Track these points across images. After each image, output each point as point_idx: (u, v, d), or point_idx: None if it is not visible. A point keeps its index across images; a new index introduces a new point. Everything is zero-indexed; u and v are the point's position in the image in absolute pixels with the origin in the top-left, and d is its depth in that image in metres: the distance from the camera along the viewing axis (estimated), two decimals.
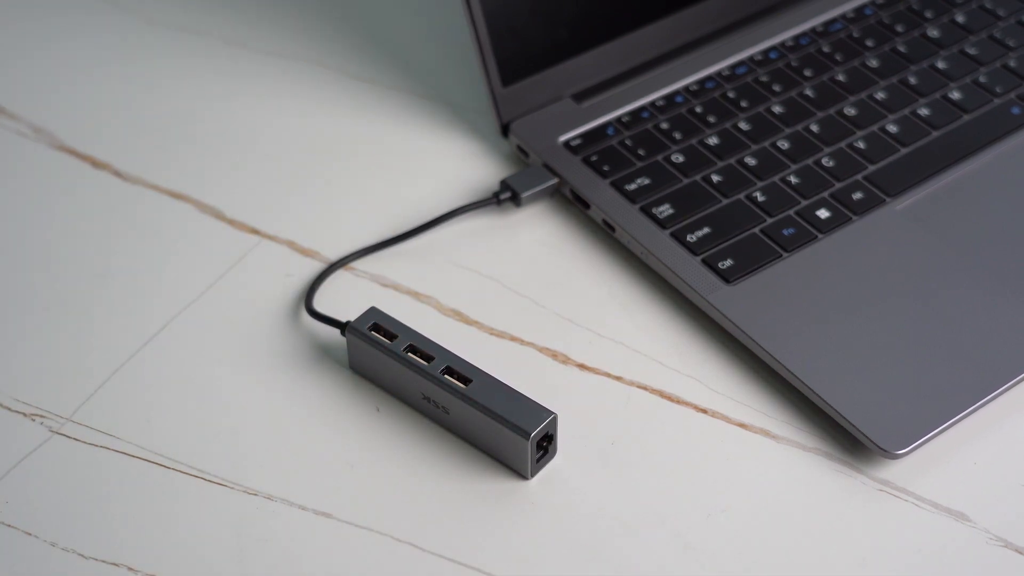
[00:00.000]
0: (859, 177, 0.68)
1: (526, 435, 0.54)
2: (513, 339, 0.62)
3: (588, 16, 0.72)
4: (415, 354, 0.57)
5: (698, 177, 0.67)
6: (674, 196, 0.66)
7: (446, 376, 0.56)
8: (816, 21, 0.77)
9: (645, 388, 0.60)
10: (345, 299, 0.63)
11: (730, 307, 0.61)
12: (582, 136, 0.70)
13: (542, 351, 0.61)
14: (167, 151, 0.71)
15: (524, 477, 0.55)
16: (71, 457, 0.56)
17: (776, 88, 0.73)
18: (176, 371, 0.60)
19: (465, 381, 0.56)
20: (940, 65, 0.74)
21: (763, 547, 0.54)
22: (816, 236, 0.64)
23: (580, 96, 0.72)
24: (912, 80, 0.73)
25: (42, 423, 0.58)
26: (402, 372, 0.57)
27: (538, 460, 0.55)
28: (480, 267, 0.65)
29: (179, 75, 0.76)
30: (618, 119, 0.70)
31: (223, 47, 0.78)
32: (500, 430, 0.55)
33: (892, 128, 0.70)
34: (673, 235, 0.64)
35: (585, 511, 0.55)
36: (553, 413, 0.55)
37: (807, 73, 0.74)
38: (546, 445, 0.56)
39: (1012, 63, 0.74)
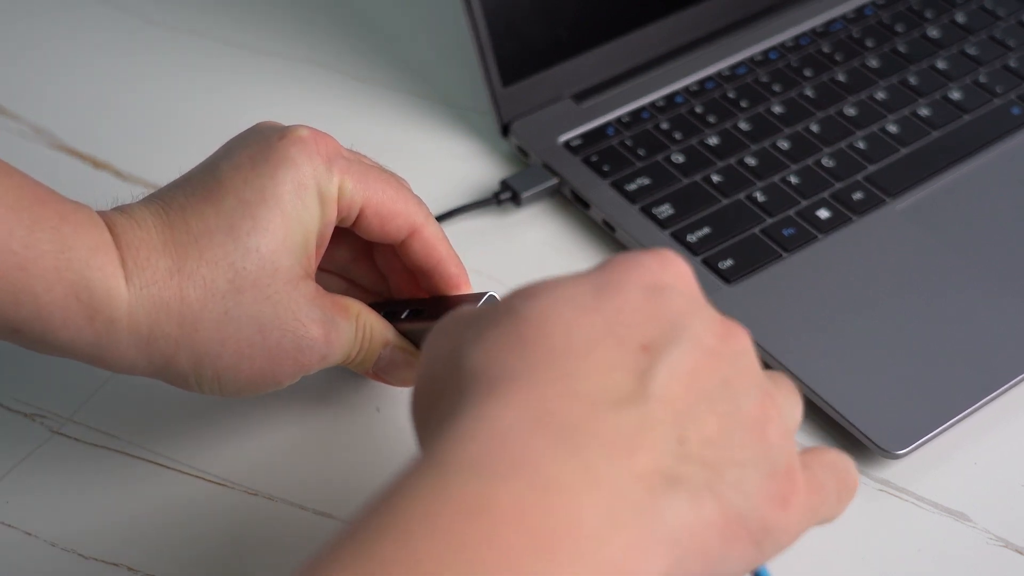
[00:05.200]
0: (859, 177, 0.68)
1: None
2: None
3: (588, 16, 0.72)
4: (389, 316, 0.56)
5: (698, 177, 0.67)
6: (674, 196, 0.66)
7: (408, 316, 0.55)
8: (816, 21, 0.77)
9: None
10: None
11: (730, 307, 0.61)
12: (582, 136, 0.70)
13: None
14: (167, 151, 0.71)
15: None
16: (71, 457, 0.56)
17: (776, 88, 0.73)
18: None
19: (419, 313, 0.55)
20: (940, 65, 0.74)
21: None
22: (816, 236, 0.64)
23: (580, 96, 0.72)
24: (912, 80, 0.73)
25: (42, 423, 0.58)
26: None
27: None
28: (480, 267, 0.65)
29: (180, 75, 0.76)
30: (618, 119, 0.70)
31: (223, 48, 0.78)
32: None
33: (892, 128, 0.70)
34: (673, 235, 0.64)
35: None
36: (488, 292, 0.53)
37: (807, 73, 0.74)
38: None
39: (1012, 63, 0.74)
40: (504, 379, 0.37)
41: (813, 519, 0.42)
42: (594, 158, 0.68)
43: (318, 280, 0.53)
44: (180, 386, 0.51)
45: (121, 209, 0.50)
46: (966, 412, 0.57)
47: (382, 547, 0.34)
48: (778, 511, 0.39)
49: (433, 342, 0.42)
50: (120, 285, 0.47)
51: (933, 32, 0.76)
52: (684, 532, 0.37)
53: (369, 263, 0.57)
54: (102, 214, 0.49)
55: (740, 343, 0.40)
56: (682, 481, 0.37)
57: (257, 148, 0.50)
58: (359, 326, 0.52)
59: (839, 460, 0.43)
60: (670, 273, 0.41)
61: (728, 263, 0.63)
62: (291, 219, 0.49)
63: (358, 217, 0.52)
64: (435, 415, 0.39)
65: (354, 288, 0.58)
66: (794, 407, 0.42)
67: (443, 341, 0.41)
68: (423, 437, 0.41)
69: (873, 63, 0.74)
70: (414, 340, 0.55)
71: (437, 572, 0.33)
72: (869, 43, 0.76)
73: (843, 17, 0.77)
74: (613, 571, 0.35)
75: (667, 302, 0.40)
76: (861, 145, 0.69)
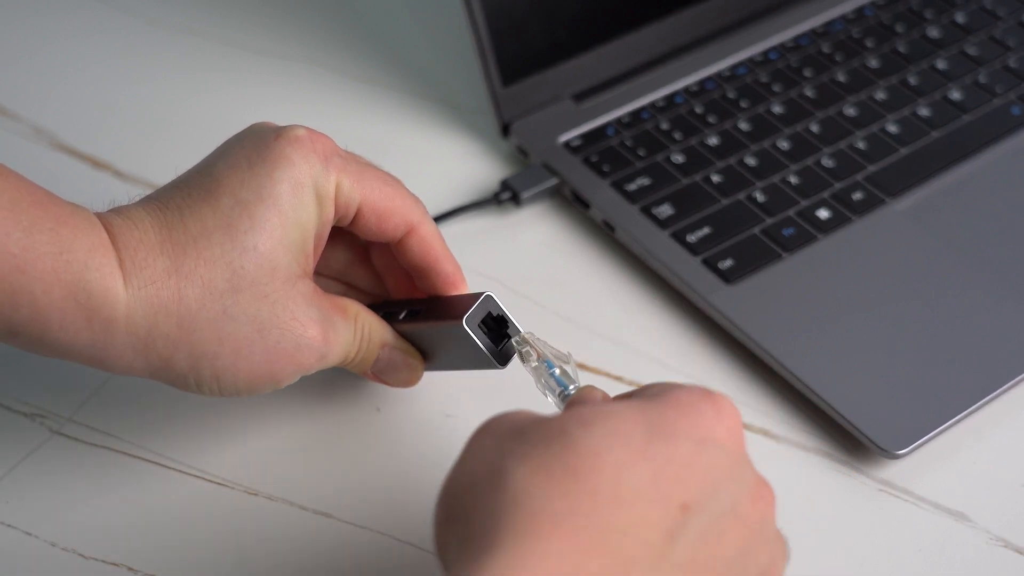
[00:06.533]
0: (859, 177, 0.68)
1: (459, 320, 0.51)
2: None
3: (588, 16, 0.72)
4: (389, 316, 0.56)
5: (698, 177, 0.67)
6: (674, 196, 0.66)
7: (406, 316, 0.55)
8: (816, 21, 0.77)
9: None
10: None
11: (730, 307, 0.61)
12: (582, 136, 0.70)
13: None
14: (167, 151, 0.71)
15: (496, 367, 0.53)
16: (71, 457, 0.56)
17: (776, 88, 0.73)
18: None
19: (415, 313, 0.55)
20: (940, 65, 0.74)
21: None
22: (816, 236, 0.64)
23: (580, 96, 0.72)
24: (912, 80, 0.73)
25: (42, 423, 0.58)
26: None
27: (500, 347, 0.53)
28: (480, 267, 0.65)
29: (179, 76, 0.76)
30: (618, 119, 0.70)
31: (223, 48, 0.78)
32: (447, 334, 0.53)
33: (892, 128, 0.70)
34: (673, 235, 0.64)
35: None
36: (485, 292, 0.52)
37: (807, 73, 0.74)
38: (503, 329, 0.52)
39: (1012, 63, 0.74)
40: (546, 518, 0.38)
41: None
42: (594, 158, 0.68)
43: (317, 284, 0.53)
44: (179, 387, 0.51)
45: (118, 210, 0.50)
46: (966, 412, 0.56)
47: None
48: None
49: (477, 441, 0.42)
50: (118, 285, 0.47)
51: (933, 32, 0.76)
52: None
53: (366, 266, 0.57)
54: (99, 216, 0.49)
55: (768, 508, 0.42)
56: None
57: (253, 148, 0.50)
58: (357, 326, 0.52)
59: None
60: (722, 427, 0.42)
61: (728, 263, 0.63)
62: (289, 218, 0.49)
63: (355, 216, 0.52)
64: (468, 527, 0.39)
65: (352, 292, 0.58)
66: (786, 558, 0.44)
67: (488, 442, 0.41)
68: (447, 542, 0.41)
69: (873, 63, 0.74)
70: (412, 340, 0.55)
71: None
72: (869, 43, 0.76)
73: (843, 17, 0.77)
74: None
75: (713, 461, 0.41)
76: (861, 145, 0.69)
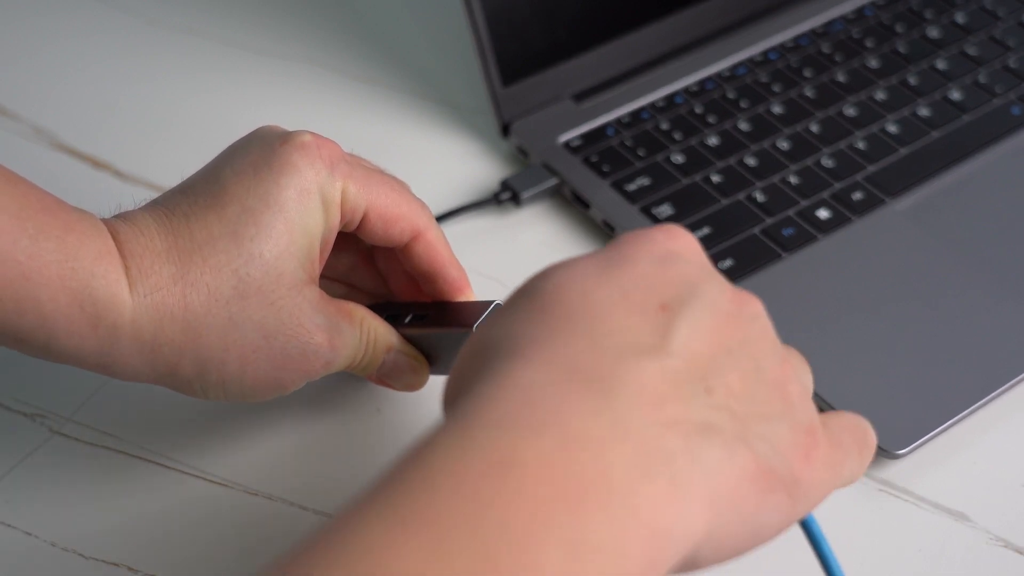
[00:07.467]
0: (859, 177, 0.68)
1: (469, 327, 0.52)
2: None
3: (588, 16, 0.72)
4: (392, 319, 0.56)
5: (698, 177, 0.67)
6: (674, 196, 0.66)
7: (410, 321, 0.55)
8: (816, 21, 0.77)
9: None
10: None
11: None
12: (582, 136, 0.70)
13: None
14: (167, 151, 0.71)
15: None
16: (71, 457, 0.56)
17: (776, 88, 0.73)
18: None
19: (421, 318, 0.55)
20: (940, 65, 0.74)
21: (762, 547, 0.53)
22: (816, 236, 0.64)
23: (580, 96, 0.72)
24: (912, 80, 0.73)
25: (42, 423, 0.58)
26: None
27: None
28: (480, 267, 0.65)
29: (180, 76, 0.76)
30: (618, 120, 0.70)
31: (223, 48, 0.78)
32: (455, 340, 0.53)
33: (892, 128, 0.70)
34: None
35: None
36: (495, 301, 0.53)
37: (807, 73, 0.74)
38: None
39: (1012, 63, 0.74)
40: (528, 343, 0.38)
41: (837, 475, 0.42)
42: (594, 158, 0.68)
43: (319, 286, 0.53)
44: (185, 392, 0.51)
45: (124, 216, 0.50)
46: (966, 412, 0.56)
47: (408, 503, 0.34)
48: (804, 464, 0.39)
49: (463, 349, 0.42)
50: (123, 292, 0.47)
51: (933, 32, 0.76)
52: (721, 483, 0.37)
53: (370, 267, 0.57)
54: (105, 222, 0.49)
55: (754, 308, 0.41)
56: (715, 429, 0.37)
57: (259, 154, 0.50)
58: (363, 331, 0.52)
59: (856, 420, 0.44)
60: (679, 244, 0.41)
61: (728, 263, 0.63)
62: (295, 225, 0.49)
63: (362, 221, 0.52)
64: (461, 391, 0.39)
65: (355, 292, 0.58)
66: (808, 373, 0.43)
67: (472, 339, 0.41)
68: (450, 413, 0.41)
69: (873, 63, 0.74)
70: (417, 345, 0.55)
71: (463, 526, 0.33)
72: (869, 43, 0.76)
73: (843, 17, 0.77)
74: (644, 526, 0.35)
75: (679, 269, 0.40)
76: (861, 145, 0.69)
